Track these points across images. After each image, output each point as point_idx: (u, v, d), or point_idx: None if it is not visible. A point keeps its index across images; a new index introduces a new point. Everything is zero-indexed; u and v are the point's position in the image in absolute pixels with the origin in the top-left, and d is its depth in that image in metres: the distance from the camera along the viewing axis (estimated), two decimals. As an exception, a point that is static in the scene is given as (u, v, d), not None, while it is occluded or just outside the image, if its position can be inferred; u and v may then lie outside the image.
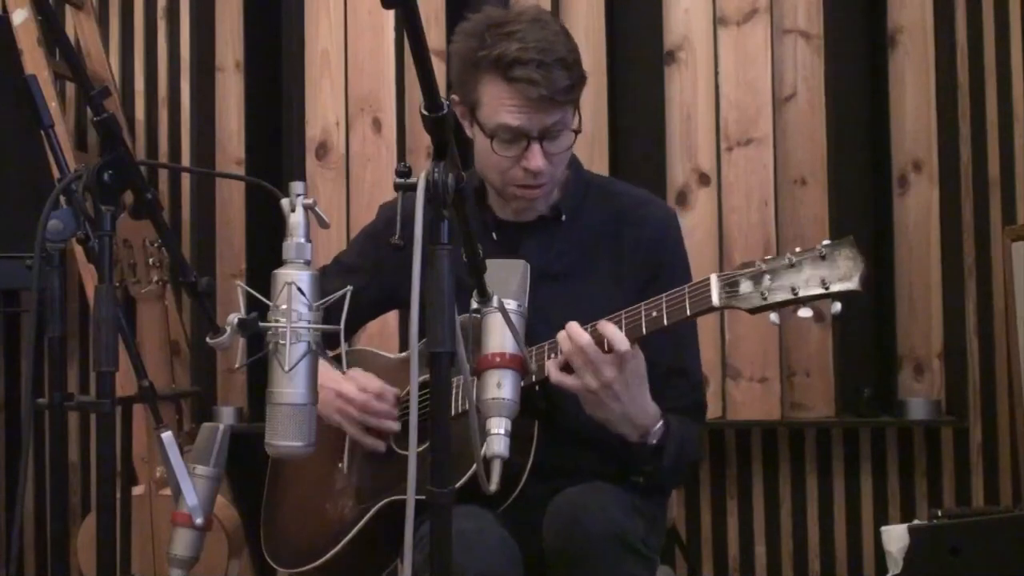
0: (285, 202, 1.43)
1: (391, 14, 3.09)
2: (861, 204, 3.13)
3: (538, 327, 1.71)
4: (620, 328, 1.75)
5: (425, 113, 1.26)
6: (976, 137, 3.12)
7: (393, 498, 1.93)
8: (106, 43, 3.44)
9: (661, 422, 1.85)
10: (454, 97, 1.93)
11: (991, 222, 3.11)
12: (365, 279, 2.08)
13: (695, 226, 3.01)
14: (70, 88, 3.42)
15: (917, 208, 3.06)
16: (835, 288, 1.63)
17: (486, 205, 2.03)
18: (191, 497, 1.69)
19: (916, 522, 2.42)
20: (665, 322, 1.74)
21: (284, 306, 1.37)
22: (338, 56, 3.16)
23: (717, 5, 3.06)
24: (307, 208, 1.42)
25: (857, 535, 3.15)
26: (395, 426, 1.99)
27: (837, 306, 1.64)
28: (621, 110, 3.15)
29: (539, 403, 1.84)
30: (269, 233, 3.12)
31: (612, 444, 1.85)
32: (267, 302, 1.40)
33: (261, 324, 1.40)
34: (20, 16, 3.04)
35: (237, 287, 1.50)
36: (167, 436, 1.70)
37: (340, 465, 2.08)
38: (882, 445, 3.15)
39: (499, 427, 1.49)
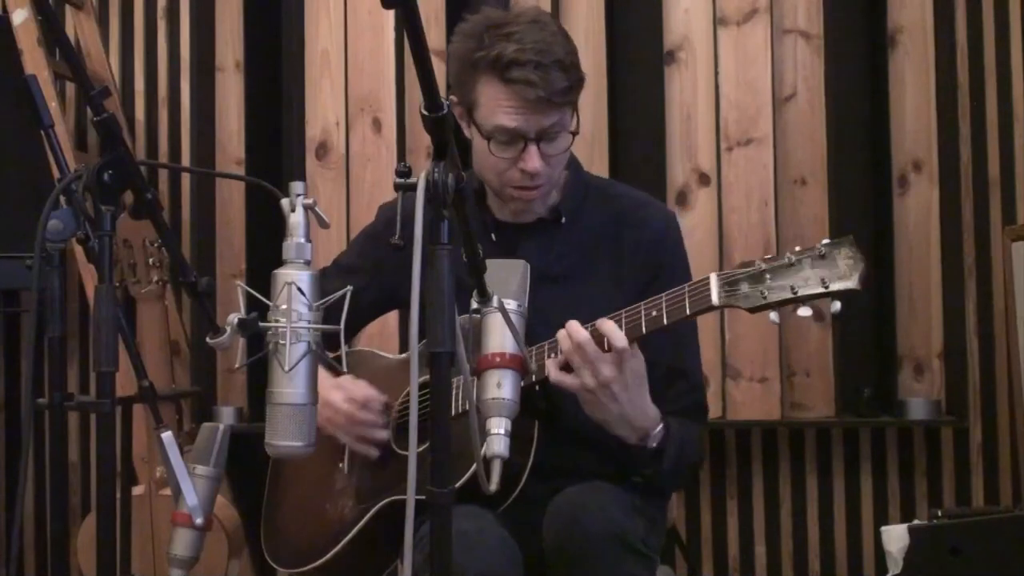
0: (285, 202, 1.43)
1: (391, 14, 3.09)
2: (861, 204, 3.14)
3: (538, 329, 1.71)
4: (620, 327, 1.75)
5: (425, 113, 1.26)
6: (976, 137, 3.11)
7: (393, 498, 1.93)
8: (106, 43, 3.44)
9: (661, 425, 1.85)
10: (452, 98, 1.93)
11: (991, 222, 3.11)
12: (365, 279, 2.07)
13: (695, 226, 3.01)
14: (70, 88, 3.42)
15: (917, 208, 3.06)
16: (835, 287, 1.62)
17: (485, 206, 2.03)
18: (191, 497, 1.69)
19: (916, 522, 2.42)
20: (665, 321, 1.73)
21: (284, 306, 1.37)
22: (338, 56, 3.16)
23: (717, 5, 3.06)
24: (307, 208, 1.42)
25: (857, 535, 3.14)
26: (382, 435, 1.99)
27: (837, 305, 1.63)
28: (621, 110, 3.14)
29: (539, 403, 1.84)
30: (269, 233, 3.12)
31: (612, 445, 1.85)
32: (267, 302, 1.40)
33: (261, 324, 1.40)
34: (20, 16, 3.04)
35: (237, 287, 1.50)
36: (167, 436, 1.70)
37: (340, 465, 2.08)
38: (882, 445, 3.15)
39: (499, 427, 1.48)
